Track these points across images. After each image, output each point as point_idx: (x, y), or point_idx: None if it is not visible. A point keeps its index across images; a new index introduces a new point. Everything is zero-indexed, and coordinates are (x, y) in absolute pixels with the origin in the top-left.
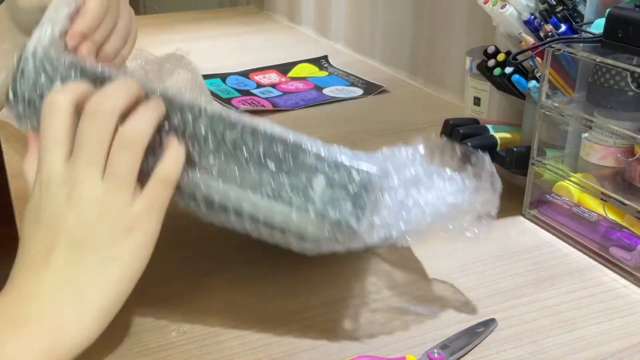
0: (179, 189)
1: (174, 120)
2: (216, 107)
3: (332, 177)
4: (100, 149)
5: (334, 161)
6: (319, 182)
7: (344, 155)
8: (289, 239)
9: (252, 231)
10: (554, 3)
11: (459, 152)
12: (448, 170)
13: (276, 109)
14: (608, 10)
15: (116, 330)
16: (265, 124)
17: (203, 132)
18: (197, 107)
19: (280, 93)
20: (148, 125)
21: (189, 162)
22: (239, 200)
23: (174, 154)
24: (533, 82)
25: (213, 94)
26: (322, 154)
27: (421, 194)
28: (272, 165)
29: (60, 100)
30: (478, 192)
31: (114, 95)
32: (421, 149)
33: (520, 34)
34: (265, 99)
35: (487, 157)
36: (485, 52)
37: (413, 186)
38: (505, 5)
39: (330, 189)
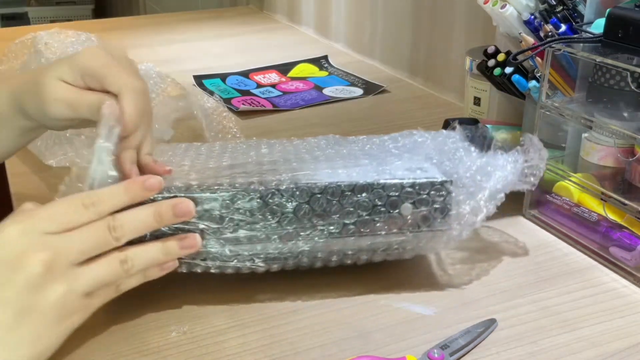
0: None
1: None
2: (299, 180)
3: (416, 200)
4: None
5: (412, 184)
6: (406, 208)
7: (417, 177)
8: (389, 254)
9: (352, 260)
10: (554, 3)
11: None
12: (500, 154)
13: (276, 109)
14: (608, 10)
15: (116, 330)
16: (332, 178)
17: (291, 209)
18: (290, 190)
19: (280, 93)
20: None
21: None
22: (341, 245)
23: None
24: (533, 82)
25: (212, 94)
26: (399, 184)
27: (487, 179)
28: (364, 213)
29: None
30: (527, 161)
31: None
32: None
33: (520, 34)
34: (265, 99)
35: (534, 137)
36: (485, 52)
37: (478, 174)
38: (505, 5)
39: (417, 208)
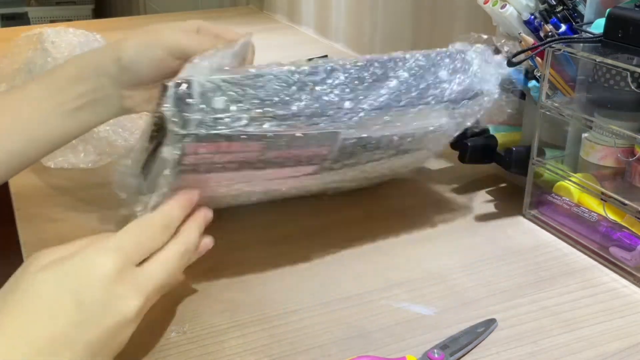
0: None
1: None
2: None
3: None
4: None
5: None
6: (444, 74)
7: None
8: (426, 136)
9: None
10: (554, 3)
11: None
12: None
13: None
14: (608, 10)
15: None
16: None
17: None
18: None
19: None
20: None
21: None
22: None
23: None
24: (533, 82)
25: None
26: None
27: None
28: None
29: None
30: None
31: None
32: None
33: (520, 34)
34: None
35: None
36: None
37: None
38: (505, 5)
39: (454, 74)
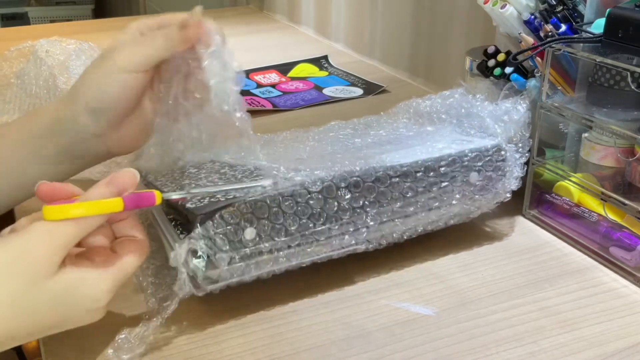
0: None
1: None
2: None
3: (483, 165)
4: None
5: (478, 150)
6: (474, 176)
7: (482, 145)
8: (460, 217)
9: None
10: (554, 3)
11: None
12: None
13: (276, 109)
14: (608, 10)
15: (117, 330)
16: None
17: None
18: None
19: (280, 93)
20: None
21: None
22: (427, 218)
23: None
24: (533, 82)
25: None
26: (467, 152)
27: (503, 124)
28: (445, 182)
29: None
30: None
31: None
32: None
33: (520, 34)
34: (265, 99)
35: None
36: (485, 52)
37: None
38: (505, 5)
39: (483, 172)
